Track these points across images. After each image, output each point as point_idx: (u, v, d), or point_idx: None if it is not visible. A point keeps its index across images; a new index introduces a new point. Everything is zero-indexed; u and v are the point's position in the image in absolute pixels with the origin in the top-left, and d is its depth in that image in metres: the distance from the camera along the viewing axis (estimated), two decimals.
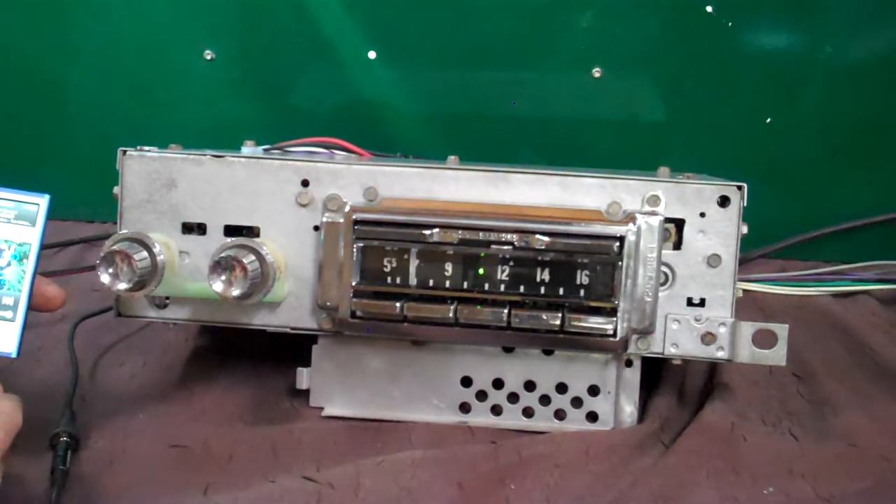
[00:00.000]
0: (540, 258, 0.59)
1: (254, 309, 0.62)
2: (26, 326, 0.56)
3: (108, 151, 0.63)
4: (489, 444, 0.59)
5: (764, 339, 0.61)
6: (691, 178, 0.61)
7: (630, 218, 0.59)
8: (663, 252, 0.60)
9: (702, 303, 0.61)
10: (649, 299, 0.59)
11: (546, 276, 0.59)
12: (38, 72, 1.04)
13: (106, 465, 0.57)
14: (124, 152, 0.62)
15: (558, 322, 0.59)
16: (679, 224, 0.60)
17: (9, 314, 0.55)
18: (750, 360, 0.61)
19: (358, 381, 0.64)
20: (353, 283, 0.60)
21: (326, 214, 0.60)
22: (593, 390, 0.63)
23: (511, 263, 0.59)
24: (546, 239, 0.58)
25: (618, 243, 0.58)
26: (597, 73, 0.98)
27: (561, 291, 0.59)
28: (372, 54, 1.00)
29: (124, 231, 0.60)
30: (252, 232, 0.62)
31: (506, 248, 0.59)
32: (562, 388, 0.63)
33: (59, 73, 1.04)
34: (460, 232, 0.59)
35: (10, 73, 1.05)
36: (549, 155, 0.98)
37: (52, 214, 1.09)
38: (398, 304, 0.60)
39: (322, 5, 0.99)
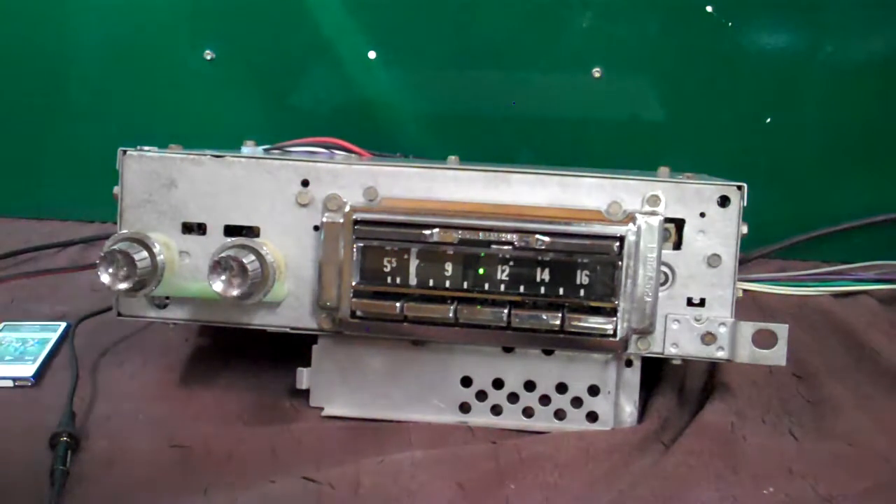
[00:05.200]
0: (540, 258, 0.59)
1: (254, 309, 0.62)
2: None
3: (108, 151, 0.63)
4: (489, 444, 0.59)
5: (764, 339, 0.61)
6: (691, 178, 0.61)
7: (630, 218, 0.59)
8: (663, 252, 0.60)
9: (702, 303, 0.61)
10: (649, 299, 0.59)
11: (546, 276, 0.59)
12: (37, 72, 1.05)
13: (106, 465, 0.57)
14: (124, 152, 0.62)
15: (558, 322, 0.59)
16: (679, 224, 0.60)
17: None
18: (750, 360, 0.61)
19: (358, 381, 0.64)
20: (353, 283, 0.60)
21: (326, 214, 0.61)
22: (593, 390, 0.63)
23: (511, 263, 0.59)
24: (546, 239, 0.58)
25: (618, 243, 0.58)
26: (597, 73, 0.98)
27: (561, 291, 0.59)
28: (372, 54, 1.00)
29: (124, 231, 0.60)
30: (252, 232, 0.62)
31: (506, 248, 0.59)
32: (562, 388, 0.63)
33: (59, 73, 1.04)
34: (460, 232, 0.59)
35: (10, 72, 1.05)
36: (550, 155, 0.98)
37: (51, 214, 1.09)
38: (398, 304, 0.60)
39: (322, 5, 0.99)
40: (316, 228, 0.61)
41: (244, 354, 0.72)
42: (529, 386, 0.64)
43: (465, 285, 0.60)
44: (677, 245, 0.61)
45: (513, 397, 0.64)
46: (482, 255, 0.59)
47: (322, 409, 0.64)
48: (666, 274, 0.61)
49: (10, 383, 0.67)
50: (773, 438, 0.62)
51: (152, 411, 0.64)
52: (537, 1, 0.98)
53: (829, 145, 0.98)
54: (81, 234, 1.01)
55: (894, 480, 0.57)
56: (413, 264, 0.60)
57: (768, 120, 0.98)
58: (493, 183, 0.61)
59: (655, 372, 0.68)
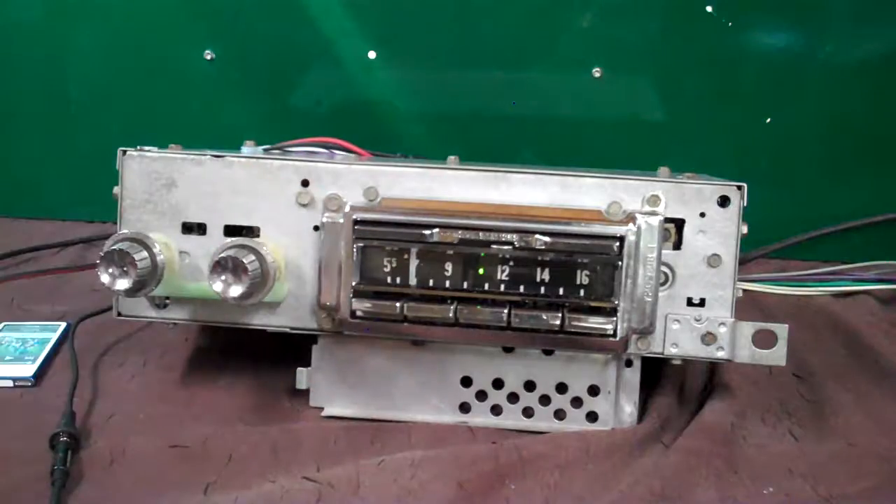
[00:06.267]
0: (540, 258, 0.59)
1: (254, 309, 0.62)
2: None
3: (108, 151, 0.63)
4: (489, 444, 0.59)
5: (764, 339, 0.61)
6: (691, 178, 0.61)
7: (630, 218, 0.59)
8: (663, 252, 0.60)
9: (702, 303, 0.61)
10: (649, 299, 0.59)
11: (546, 276, 0.59)
12: (38, 72, 1.05)
13: (106, 465, 0.57)
14: (124, 152, 0.62)
15: (558, 322, 0.59)
16: (679, 224, 0.60)
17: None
18: (750, 360, 0.61)
19: (358, 381, 0.64)
20: (353, 283, 0.60)
21: (326, 214, 0.61)
22: (593, 390, 0.63)
23: (511, 263, 0.59)
24: (546, 239, 0.58)
25: (618, 243, 0.58)
26: (597, 73, 0.98)
27: (561, 291, 0.59)
28: (372, 54, 1.00)
29: (124, 231, 0.60)
30: (252, 232, 0.62)
31: (506, 248, 0.59)
32: (562, 388, 0.63)
33: (59, 73, 1.04)
34: (460, 232, 0.59)
35: (11, 73, 1.05)
36: (549, 155, 0.98)
37: (51, 214, 1.09)
38: (398, 304, 0.60)
39: (322, 5, 0.99)
40: (316, 228, 0.61)
41: (244, 354, 0.72)
42: (529, 386, 0.64)
43: (465, 285, 0.60)
44: (677, 245, 0.61)
45: (513, 397, 0.64)
46: (482, 255, 0.59)
47: (322, 409, 0.64)
48: (666, 274, 0.61)
49: (10, 383, 0.67)
50: (773, 438, 0.62)
51: (152, 411, 0.64)
52: (537, 1, 0.98)
53: (829, 145, 0.98)
54: (81, 234, 1.01)
55: (894, 480, 0.57)
56: (413, 264, 0.60)
57: (768, 120, 0.98)
58: (493, 183, 0.61)
59: (655, 372, 0.68)
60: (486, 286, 0.60)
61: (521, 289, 0.59)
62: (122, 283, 0.57)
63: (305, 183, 0.61)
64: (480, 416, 0.64)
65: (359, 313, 0.60)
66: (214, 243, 0.60)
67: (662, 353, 0.61)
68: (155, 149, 0.63)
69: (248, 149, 0.74)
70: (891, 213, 0.98)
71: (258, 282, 0.58)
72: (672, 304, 0.61)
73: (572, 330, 0.59)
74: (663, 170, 0.67)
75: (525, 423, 0.64)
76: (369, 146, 0.75)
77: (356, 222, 0.60)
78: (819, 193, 0.99)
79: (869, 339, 0.78)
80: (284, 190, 0.62)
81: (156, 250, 0.59)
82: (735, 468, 0.58)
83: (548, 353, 0.63)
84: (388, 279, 0.60)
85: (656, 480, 0.56)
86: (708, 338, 0.61)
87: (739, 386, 0.68)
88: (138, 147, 0.63)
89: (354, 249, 0.60)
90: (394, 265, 0.60)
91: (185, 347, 0.74)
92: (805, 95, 0.97)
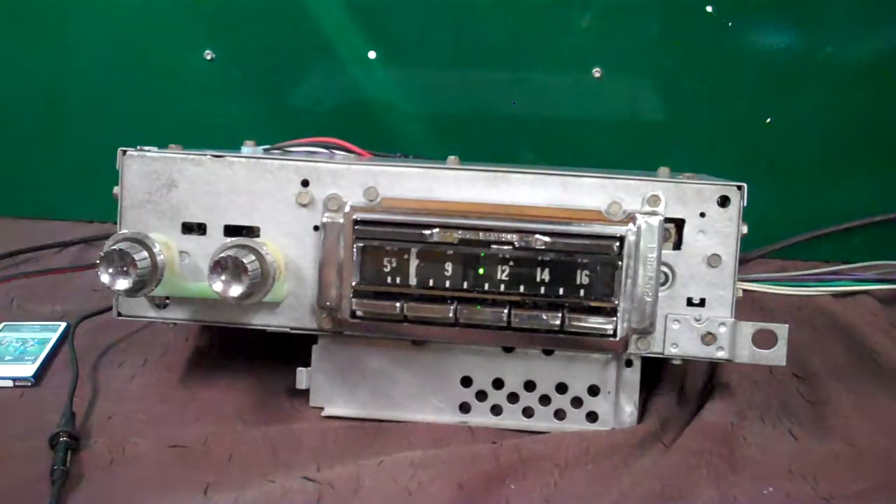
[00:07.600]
0: (540, 258, 0.59)
1: (254, 309, 0.62)
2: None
3: (108, 151, 0.63)
4: (489, 444, 0.59)
5: (764, 339, 0.61)
6: (691, 178, 0.61)
7: (630, 218, 0.59)
8: (663, 252, 0.60)
9: (702, 303, 0.61)
10: (649, 299, 0.59)
11: (546, 275, 0.59)
12: (37, 72, 1.05)
13: (106, 465, 0.57)
14: (124, 152, 0.62)
15: (558, 322, 0.59)
16: (679, 224, 0.60)
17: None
18: (750, 360, 0.61)
19: (358, 381, 0.64)
20: (353, 283, 0.60)
21: (326, 214, 0.61)
22: (593, 390, 0.63)
23: (511, 263, 0.59)
24: (546, 239, 0.58)
25: (618, 243, 0.58)
26: (597, 73, 0.98)
27: (561, 291, 0.59)
28: (372, 54, 1.00)
29: (124, 231, 0.60)
30: (252, 232, 0.62)
31: (506, 248, 0.59)
32: (562, 388, 0.63)
33: (59, 73, 1.04)
34: (460, 232, 0.59)
35: (10, 73, 1.05)
36: (550, 155, 0.98)
37: (52, 214, 1.09)
38: (398, 304, 0.60)
39: (322, 5, 0.99)
40: (316, 228, 0.61)
41: (244, 354, 0.72)
42: (529, 386, 0.64)
43: (465, 285, 0.60)
44: (677, 245, 0.61)
45: (513, 397, 0.64)
46: (482, 255, 0.59)
47: (322, 409, 0.64)
48: (666, 274, 0.61)
49: (10, 383, 0.67)
50: (773, 438, 0.62)
51: (152, 411, 0.64)
52: (537, 1, 0.98)
53: (828, 145, 0.98)
54: (81, 234, 1.01)
55: (894, 480, 0.57)
56: (413, 264, 0.60)
57: (768, 120, 0.98)
58: (493, 183, 0.61)
59: (655, 372, 0.68)
60: (486, 286, 0.60)
61: (521, 289, 0.59)
62: (122, 283, 0.57)
63: (305, 183, 0.61)
64: (480, 416, 0.64)
65: (359, 313, 0.60)
66: (214, 243, 0.60)
67: (662, 353, 0.61)
68: (155, 149, 0.63)
69: (248, 149, 0.74)
70: (891, 213, 0.98)
71: (258, 282, 0.58)
72: (672, 304, 0.61)
73: (572, 330, 0.59)
74: (663, 170, 0.67)
75: (525, 423, 0.64)
76: (369, 146, 0.75)
77: (356, 222, 0.60)
78: (819, 193, 0.99)
79: (869, 339, 0.78)
80: (284, 190, 0.62)
81: (156, 250, 0.59)
82: (735, 468, 0.58)
83: (548, 353, 0.63)
84: (388, 279, 0.60)
85: (656, 480, 0.56)
86: (708, 338, 0.61)
87: (739, 386, 0.68)
88: (138, 147, 0.63)
89: (354, 249, 0.60)
90: (394, 265, 0.60)
91: (185, 347, 0.74)
92: (805, 95, 0.97)
